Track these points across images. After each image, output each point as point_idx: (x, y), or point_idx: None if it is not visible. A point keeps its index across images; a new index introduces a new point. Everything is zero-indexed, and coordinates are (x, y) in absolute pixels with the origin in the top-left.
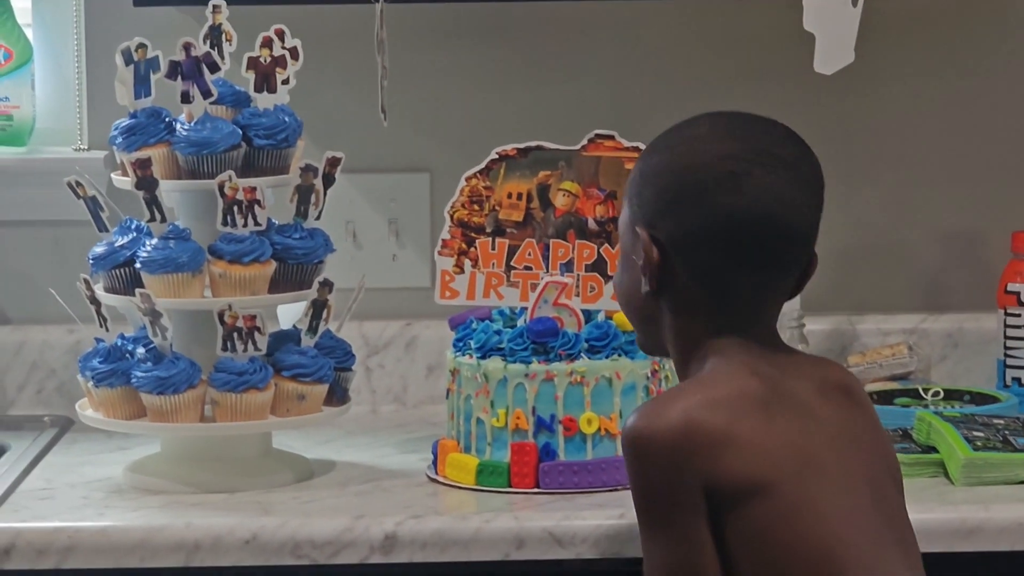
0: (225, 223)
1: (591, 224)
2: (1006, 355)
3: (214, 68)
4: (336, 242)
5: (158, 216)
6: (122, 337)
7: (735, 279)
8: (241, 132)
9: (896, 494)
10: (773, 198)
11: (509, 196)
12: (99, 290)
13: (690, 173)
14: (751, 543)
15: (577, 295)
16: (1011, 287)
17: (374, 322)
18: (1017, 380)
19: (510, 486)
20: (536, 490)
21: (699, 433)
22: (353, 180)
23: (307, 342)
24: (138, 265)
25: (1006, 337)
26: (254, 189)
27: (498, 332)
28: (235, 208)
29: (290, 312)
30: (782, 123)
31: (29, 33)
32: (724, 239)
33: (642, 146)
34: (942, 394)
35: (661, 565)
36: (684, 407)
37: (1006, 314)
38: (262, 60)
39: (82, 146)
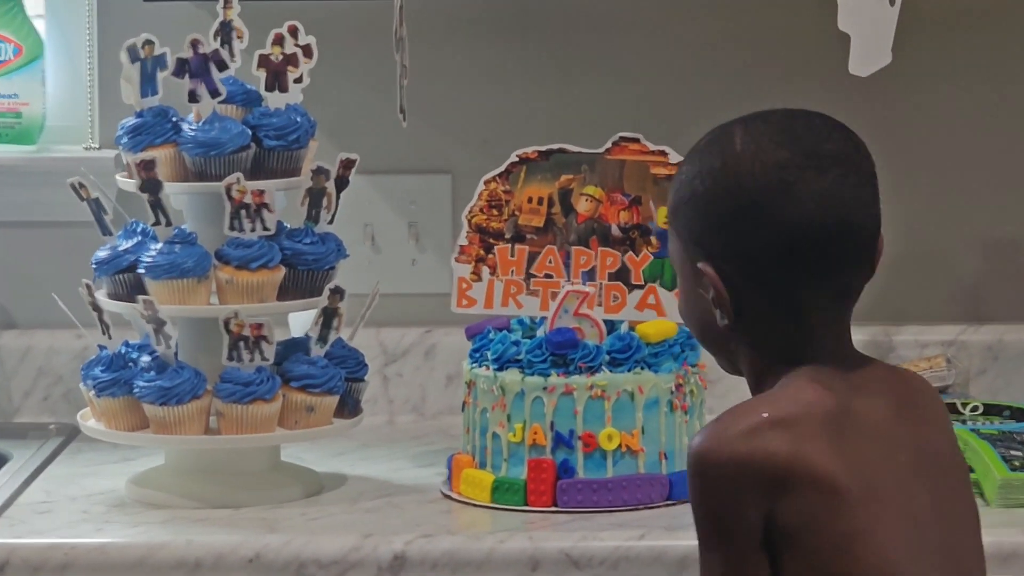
0: (232, 227)
1: (615, 231)
2: None
3: (222, 66)
4: (354, 245)
5: (163, 219)
6: (127, 344)
7: (811, 292)
8: (251, 133)
9: (967, 519)
10: (832, 199)
11: (529, 201)
12: (101, 296)
13: (739, 194)
14: (806, 571)
15: (599, 305)
16: None
17: (392, 329)
18: None
19: (526, 504)
20: (553, 509)
21: (763, 459)
22: (372, 181)
23: (317, 351)
24: (141, 270)
25: None
26: (263, 192)
27: (516, 343)
28: (243, 212)
29: (302, 319)
30: (818, 112)
31: (41, 27)
32: (791, 255)
33: (668, 150)
34: (981, 409)
35: None
36: (750, 429)
37: None
38: (273, 58)
39: (93, 145)
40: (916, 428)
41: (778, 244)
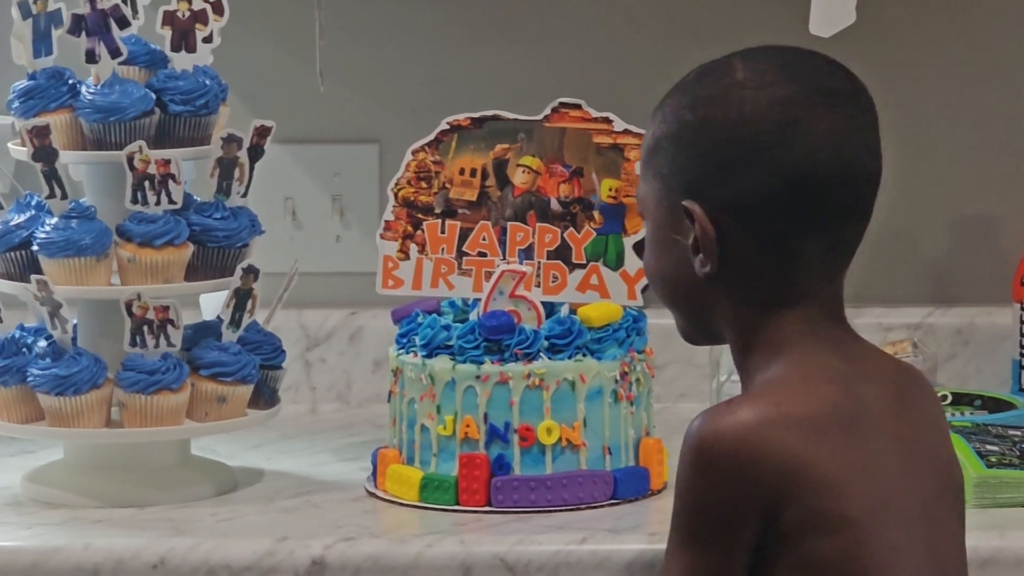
0: (135, 200)
1: (554, 205)
2: (1022, 354)
3: (123, 23)
4: (274, 220)
5: (58, 191)
6: (22, 328)
7: (806, 243)
8: (155, 97)
9: (954, 521)
10: (840, 140)
11: (461, 172)
12: None
13: (741, 127)
14: None
15: (537, 286)
16: None
17: (315, 311)
18: None
19: (458, 503)
20: (487, 508)
21: (772, 452)
22: (293, 151)
23: (229, 336)
24: (35, 247)
25: (1022, 334)
26: (168, 162)
27: (447, 327)
28: (146, 183)
29: (215, 301)
30: (820, 52)
31: None
32: (792, 196)
33: (613, 117)
34: (950, 398)
35: None
36: (758, 418)
37: (1023, 308)
38: (180, 14)
39: None
40: (912, 421)
41: (778, 184)
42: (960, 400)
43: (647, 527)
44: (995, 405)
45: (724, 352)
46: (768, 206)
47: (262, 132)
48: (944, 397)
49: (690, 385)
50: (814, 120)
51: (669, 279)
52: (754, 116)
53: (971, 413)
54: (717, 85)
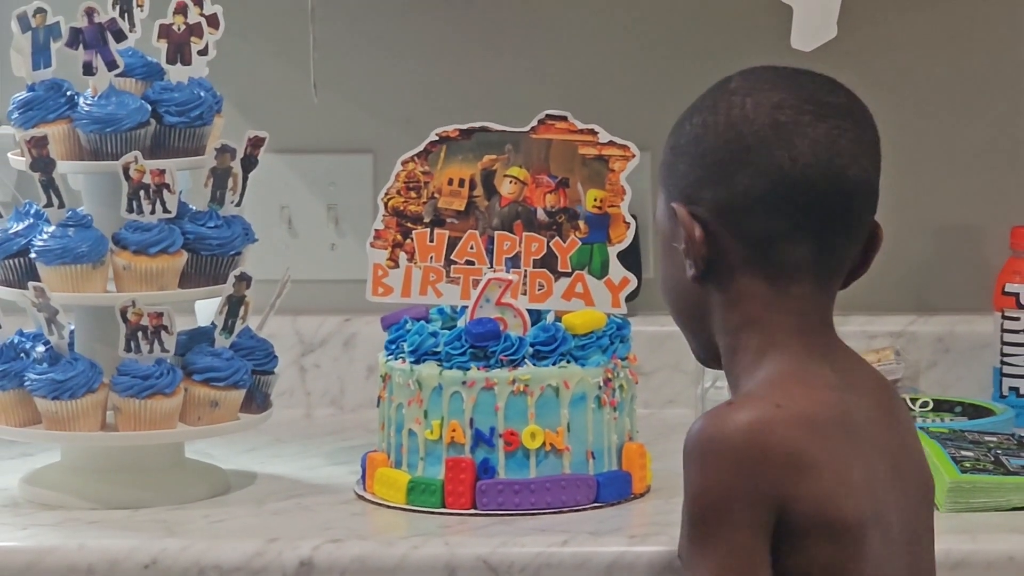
0: (131, 209)
1: (540, 215)
2: (1003, 362)
3: (120, 36)
4: (270, 229)
5: (56, 200)
6: (20, 333)
7: (792, 247)
8: (150, 108)
9: (931, 537)
10: (826, 148)
11: (450, 182)
12: None
13: (729, 130)
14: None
15: (524, 293)
16: (1009, 287)
17: (309, 317)
18: (1015, 390)
19: (444, 506)
20: (472, 511)
21: (778, 445)
22: (289, 161)
23: (222, 342)
24: (33, 255)
25: (1003, 343)
26: (163, 172)
27: (434, 334)
28: (142, 193)
29: (210, 308)
30: (822, 73)
31: None
32: (776, 200)
33: (598, 129)
34: (931, 405)
35: None
36: (762, 416)
37: (1003, 317)
38: (175, 28)
39: None
40: (899, 440)
41: (762, 186)
42: (941, 407)
43: (628, 530)
44: (975, 412)
45: None
46: (753, 208)
47: (255, 143)
48: (925, 404)
49: (677, 391)
50: (800, 126)
51: (671, 289)
52: (741, 119)
53: (951, 420)
54: (712, 96)
